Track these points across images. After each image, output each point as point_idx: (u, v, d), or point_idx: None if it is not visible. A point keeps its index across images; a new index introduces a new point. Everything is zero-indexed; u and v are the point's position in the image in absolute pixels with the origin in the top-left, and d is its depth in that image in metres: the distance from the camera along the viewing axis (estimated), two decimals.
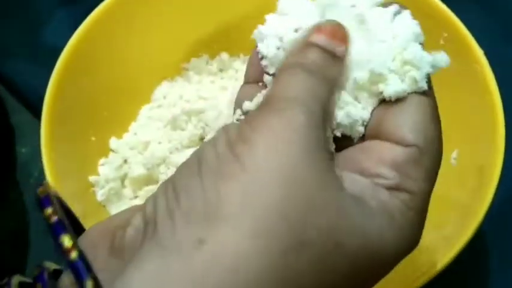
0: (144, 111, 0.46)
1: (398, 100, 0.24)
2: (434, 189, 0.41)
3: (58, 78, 0.40)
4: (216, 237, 0.19)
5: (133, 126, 0.46)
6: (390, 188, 0.22)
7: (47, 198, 0.21)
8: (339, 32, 0.24)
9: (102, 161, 0.43)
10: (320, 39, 0.24)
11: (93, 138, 0.42)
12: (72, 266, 0.19)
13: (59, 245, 0.20)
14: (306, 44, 0.24)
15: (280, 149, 0.20)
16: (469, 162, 0.40)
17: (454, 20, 0.42)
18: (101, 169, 0.42)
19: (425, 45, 0.43)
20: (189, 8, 0.46)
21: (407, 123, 0.23)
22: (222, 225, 0.19)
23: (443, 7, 0.42)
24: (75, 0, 0.54)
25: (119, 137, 0.45)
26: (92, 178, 0.41)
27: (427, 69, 0.25)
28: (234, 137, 0.21)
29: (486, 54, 0.40)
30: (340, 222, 0.20)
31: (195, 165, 0.21)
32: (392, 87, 0.24)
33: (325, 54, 0.24)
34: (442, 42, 0.42)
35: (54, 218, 0.21)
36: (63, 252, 0.20)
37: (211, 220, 0.19)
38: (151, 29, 0.46)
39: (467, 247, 0.35)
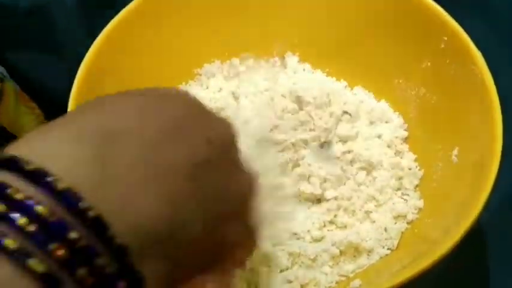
0: None
1: None
2: (435, 184, 0.43)
3: (79, 86, 0.43)
4: None
5: None
6: None
7: None
8: None
9: None
10: None
11: None
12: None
13: None
14: None
15: None
16: (468, 158, 0.41)
17: (453, 24, 0.44)
18: None
19: (427, 49, 0.45)
20: (200, 18, 0.49)
21: None
22: None
23: (444, 13, 0.44)
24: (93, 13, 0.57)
25: None
26: None
27: None
28: None
29: (484, 55, 0.42)
30: None
31: None
32: None
33: None
34: (442, 45, 0.45)
35: None
36: None
37: None
38: (166, 38, 0.48)
39: (468, 245, 0.36)
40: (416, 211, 0.43)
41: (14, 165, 0.21)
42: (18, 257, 0.20)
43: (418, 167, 0.46)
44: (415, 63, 0.47)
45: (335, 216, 0.44)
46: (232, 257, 0.29)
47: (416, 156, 0.46)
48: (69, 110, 0.41)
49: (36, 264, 0.20)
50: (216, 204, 0.26)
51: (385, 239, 0.42)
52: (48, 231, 0.20)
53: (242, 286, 0.40)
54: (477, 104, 0.42)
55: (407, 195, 0.45)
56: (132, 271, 0.22)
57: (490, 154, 0.39)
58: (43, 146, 0.22)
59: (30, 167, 0.21)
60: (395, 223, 0.43)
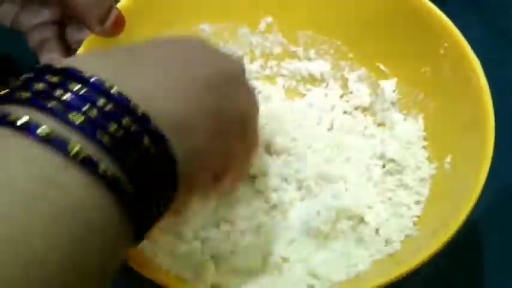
0: None
1: None
2: (427, 190, 0.43)
3: None
4: None
5: None
6: None
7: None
8: None
9: None
10: None
11: None
12: None
13: None
14: None
15: None
16: (460, 167, 0.42)
17: (454, 31, 0.44)
18: None
19: (427, 54, 0.45)
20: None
21: None
22: None
23: (446, 19, 0.44)
24: None
25: None
26: None
27: None
28: None
29: (482, 62, 0.42)
30: None
31: None
32: None
33: None
34: (442, 51, 0.45)
35: None
36: None
37: None
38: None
39: (467, 244, 0.36)
40: None
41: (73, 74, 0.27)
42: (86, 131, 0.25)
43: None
44: (415, 68, 0.47)
45: None
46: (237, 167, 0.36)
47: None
48: None
49: (103, 137, 0.26)
50: (225, 113, 0.33)
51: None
52: (107, 116, 0.26)
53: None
54: (473, 113, 0.41)
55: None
56: (170, 152, 0.28)
57: (479, 164, 0.38)
58: (85, 61, 0.28)
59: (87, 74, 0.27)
60: None
